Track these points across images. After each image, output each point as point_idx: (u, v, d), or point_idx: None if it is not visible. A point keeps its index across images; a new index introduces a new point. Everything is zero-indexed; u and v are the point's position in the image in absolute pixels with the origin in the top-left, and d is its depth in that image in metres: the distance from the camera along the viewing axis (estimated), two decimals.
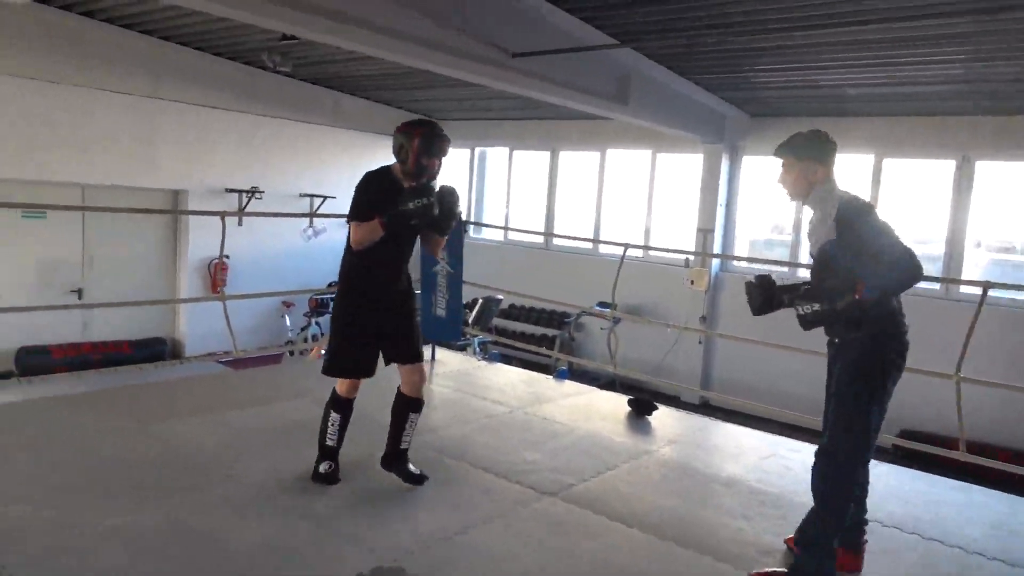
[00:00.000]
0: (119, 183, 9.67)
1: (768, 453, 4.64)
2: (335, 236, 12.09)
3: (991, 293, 4.29)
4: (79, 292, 9.84)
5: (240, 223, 10.58)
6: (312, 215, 11.49)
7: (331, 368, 3.57)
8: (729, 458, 4.57)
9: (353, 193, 3.48)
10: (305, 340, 10.32)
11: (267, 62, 9.16)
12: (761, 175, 10.16)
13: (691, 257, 10.16)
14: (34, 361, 9.30)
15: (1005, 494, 4.15)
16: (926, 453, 4.62)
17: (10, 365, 9.29)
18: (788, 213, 9.96)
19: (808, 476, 4.15)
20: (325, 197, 11.63)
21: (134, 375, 7.52)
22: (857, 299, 2.72)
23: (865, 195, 8.97)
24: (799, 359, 8.93)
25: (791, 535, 3.21)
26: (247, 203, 10.83)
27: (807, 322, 2.89)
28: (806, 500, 3.84)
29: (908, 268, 2.70)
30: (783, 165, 3.14)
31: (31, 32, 8.51)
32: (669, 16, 6.21)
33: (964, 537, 3.54)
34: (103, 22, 8.91)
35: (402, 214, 3.30)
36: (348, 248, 3.51)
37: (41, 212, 9.29)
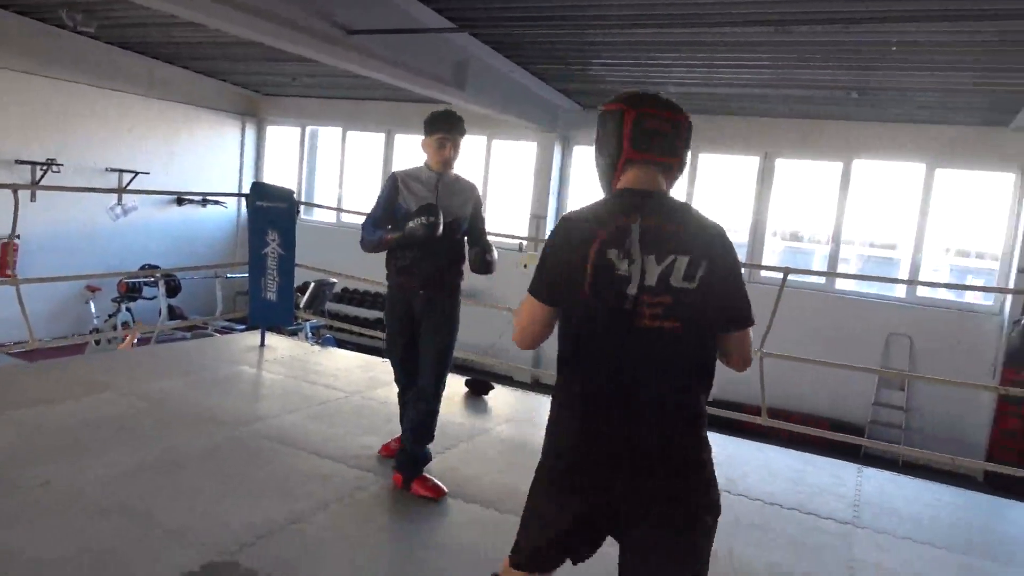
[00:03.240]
0: None
1: None
2: (148, 214, 11.16)
3: (790, 277, 4.81)
4: None
5: (33, 198, 9.45)
6: (121, 191, 10.51)
7: None
8: None
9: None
10: (114, 328, 9.43)
11: (66, 20, 8.22)
12: (591, 164, 10.64)
13: (524, 242, 10.44)
14: None
15: (800, 452, 4.67)
16: (733, 420, 5.08)
17: None
18: None
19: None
20: (136, 172, 10.68)
21: None
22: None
23: (680, 188, 9.73)
24: None
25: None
26: (42, 176, 9.70)
27: None
28: None
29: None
30: (458, 145, 3.45)
31: None
32: (507, 4, 6.30)
33: (764, 492, 3.94)
34: None
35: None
36: None
37: None
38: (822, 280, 9.22)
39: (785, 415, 6.87)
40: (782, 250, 10.40)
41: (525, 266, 10.45)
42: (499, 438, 4.50)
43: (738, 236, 9.99)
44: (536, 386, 9.53)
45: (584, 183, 10.70)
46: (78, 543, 2.76)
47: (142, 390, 4.57)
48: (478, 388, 5.34)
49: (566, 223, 1.83)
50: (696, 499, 1.74)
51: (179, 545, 2.80)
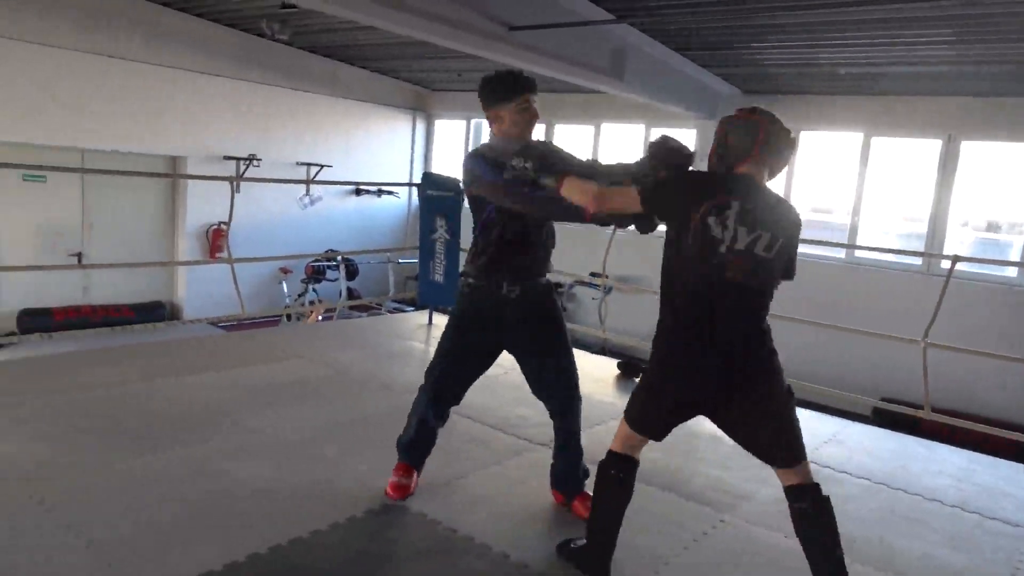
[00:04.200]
0: (118, 148, 9.76)
1: None
2: (331, 204, 12.25)
3: (970, 269, 4.55)
4: (79, 256, 9.97)
5: (238, 190, 10.67)
6: (308, 182, 11.61)
7: None
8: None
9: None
10: (302, 305, 10.50)
11: (265, 30, 9.23)
12: None
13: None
14: (35, 323, 9.46)
15: (966, 451, 4.43)
16: (899, 419, 4.90)
17: (12, 326, 9.45)
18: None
19: None
20: (322, 166, 11.75)
21: (135, 336, 7.72)
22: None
23: (852, 173, 9.26)
24: (780, 328, 9.25)
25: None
26: (244, 170, 10.94)
27: None
28: None
29: None
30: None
31: None
32: None
33: (925, 487, 3.82)
34: None
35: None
36: None
37: (41, 175, 9.39)
38: (1013, 273, 8.44)
39: (953, 414, 6.44)
40: (973, 241, 9.59)
41: None
42: None
43: (919, 226, 9.35)
44: None
45: None
46: (286, 478, 3.27)
47: (329, 358, 5.18)
48: (629, 371, 5.50)
49: (694, 174, 2.56)
50: (776, 376, 2.48)
51: (362, 488, 3.24)
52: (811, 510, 2.44)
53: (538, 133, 9.64)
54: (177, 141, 10.35)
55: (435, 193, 5.80)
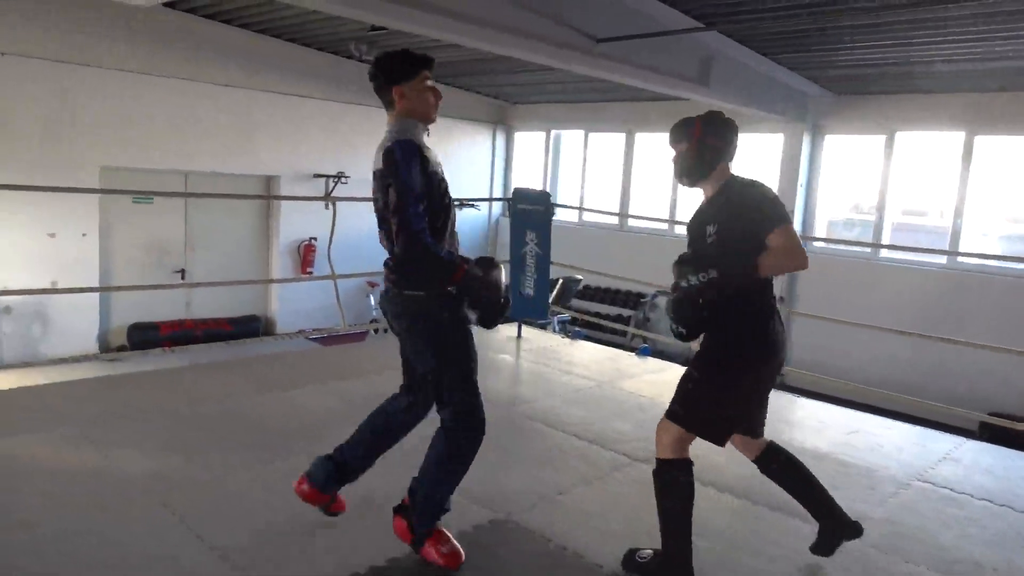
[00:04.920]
0: (218, 170, 10.29)
1: (854, 428, 4.73)
2: None
3: None
4: (182, 273, 10.53)
5: (327, 207, 11.08)
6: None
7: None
8: (813, 432, 4.68)
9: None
10: None
11: (354, 52, 9.57)
12: (843, 154, 10.04)
13: None
14: (144, 336, 10.04)
15: None
16: (1011, 434, 4.63)
17: (123, 340, 10.05)
18: (870, 193, 9.81)
19: (898, 453, 4.27)
20: None
21: (236, 348, 8.08)
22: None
23: (954, 172, 8.82)
24: (876, 341, 8.90)
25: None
26: (333, 187, 11.32)
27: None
28: (894, 474, 3.97)
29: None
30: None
31: (138, 29, 9.13)
32: None
33: None
34: (204, 18, 9.46)
35: None
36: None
37: (148, 197, 9.97)
38: None
39: None
40: None
41: None
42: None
43: (1020, 228, 8.85)
44: (781, 386, 9.23)
45: (835, 173, 10.12)
46: (397, 490, 3.35)
47: None
48: None
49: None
50: None
51: (471, 501, 3.29)
52: (784, 462, 2.90)
53: (617, 142, 9.87)
54: (271, 161, 10.81)
55: (526, 207, 5.86)
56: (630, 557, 2.81)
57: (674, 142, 2.76)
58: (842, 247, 9.98)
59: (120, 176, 9.39)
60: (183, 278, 10.47)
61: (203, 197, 10.36)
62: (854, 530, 2.93)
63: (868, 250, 9.64)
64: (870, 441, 4.51)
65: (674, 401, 2.70)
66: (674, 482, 2.63)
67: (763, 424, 2.91)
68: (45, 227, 8.90)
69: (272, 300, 11.44)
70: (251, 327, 11.04)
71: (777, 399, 5.57)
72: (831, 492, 3.69)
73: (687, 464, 2.66)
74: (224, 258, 10.87)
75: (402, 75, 2.66)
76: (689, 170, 2.72)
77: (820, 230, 10.31)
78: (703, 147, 2.66)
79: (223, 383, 4.86)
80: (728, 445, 2.80)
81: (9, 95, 8.45)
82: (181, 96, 9.76)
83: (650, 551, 2.78)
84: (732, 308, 2.61)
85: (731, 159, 2.74)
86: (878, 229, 9.60)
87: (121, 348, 9.94)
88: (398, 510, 2.85)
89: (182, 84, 9.73)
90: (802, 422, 4.98)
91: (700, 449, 2.73)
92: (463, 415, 2.79)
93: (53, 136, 8.83)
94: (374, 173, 2.65)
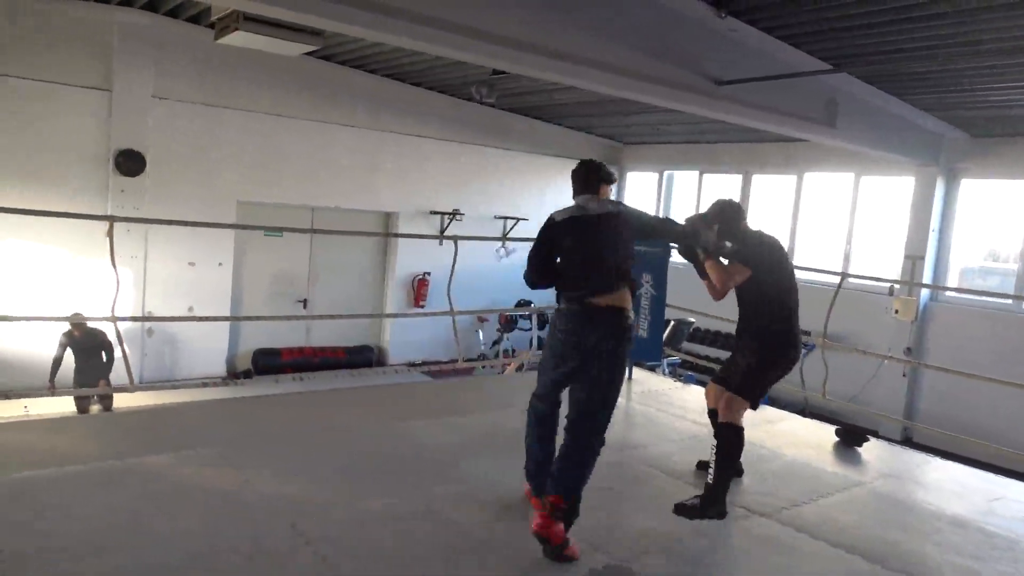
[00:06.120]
0: (342, 205, 10.83)
1: (997, 495, 4.38)
2: (525, 256, 12.66)
3: None
4: (304, 302, 11.09)
5: (441, 243, 11.43)
6: (505, 238, 12.14)
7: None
8: (952, 496, 4.35)
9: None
10: (496, 355, 10.90)
11: (474, 94, 9.87)
12: (980, 199, 9.44)
13: (896, 285, 9.61)
14: (268, 361, 10.61)
15: None
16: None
17: (248, 363, 10.65)
18: (1009, 240, 9.15)
19: None
20: (517, 219, 12.24)
21: (348, 377, 8.39)
22: None
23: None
24: (1015, 399, 8.20)
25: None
26: (448, 224, 11.66)
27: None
28: None
29: None
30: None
31: (273, 73, 9.82)
32: (888, 38, 6.04)
33: None
34: (336, 64, 10.07)
35: None
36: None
37: (279, 231, 10.62)
38: None
39: None
40: None
41: (897, 311, 9.60)
42: (877, 493, 4.29)
43: None
44: (907, 443, 8.66)
45: (972, 218, 9.52)
46: (502, 526, 3.38)
47: None
48: (851, 438, 5.12)
49: (759, 235, 4.10)
50: None
51: (585, 545, 3.25)
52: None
53: (735, 183, 9.99)
54: (390, 198, 11.28)
55: (644, 249, 5.82)
56: (682, 508, 3.50)
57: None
58: (976, 297, 9.34)
59: (253, 210, 10.05)
60: (305, 307, 11.02)
61: (327, 233, 10.91)
62: (719, 514, 3.51)
63: (1010, 301, 8.96)
64: (1015, 510, 4.15)
65: (740, 386, 3.74)
66: (740, 438, 3.68)
67: None
68: (187, 256, 9.63)
69: (386, 331, 11.83)
70: (365, 356, 11.44)
71: (910, 458, 5.27)
72: (974, 563, 3.43)
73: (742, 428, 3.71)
74: (343, 289, 11.37)
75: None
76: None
77: (953, 278, 9.68)
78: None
79: (349, 413, 5.05)
80: None
81: (163, 135, 9.26)
82: (311, 136, 10.38)
83: (696, 498, 3.54)
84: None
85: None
86: (1021, 278, 8.92)
87: (247, 372, 10.53)
88: (555, 516, 3.10)
89: (313, 126, 10.36)
90: (940, 485, 4.65)
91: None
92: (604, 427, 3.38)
93: (197, 172, 9.58)
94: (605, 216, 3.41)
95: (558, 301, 3.38)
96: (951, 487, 4.58)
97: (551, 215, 3.46)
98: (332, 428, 4.63)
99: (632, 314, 3.29)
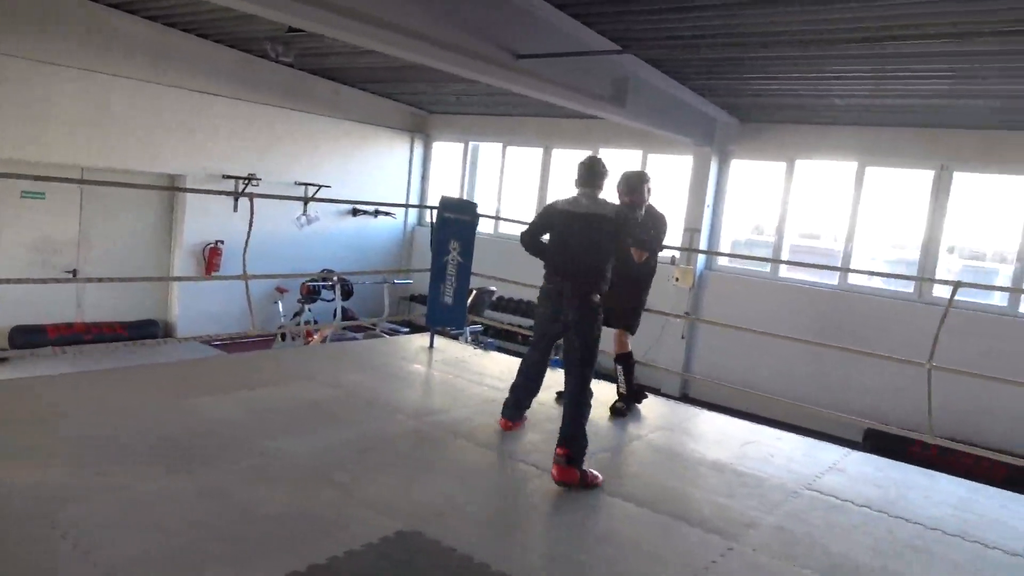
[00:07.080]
0: (117, 166, 9.78)
1: (750, 440, 4.97)
2: (327, 224, 12.28)
3: (960, 297, 4.63)
4: (74, 273, 9.94)
5: (236, 208, 10.75)
6: (306, 200, 11.65)
7: None
8: (713, 444, 4.88)
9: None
10: (297, 325, 10.50)
11: (270, 52, 9.33)
12: (747, 178, 10.52)
13: (677, 255, 10.49)
14: (29, 339, 9.40)
15: (968, 481, 4.50)
16: (898, 448, 4.97)
17: (3, 343, 9.38)
18: (770, 216, 10.33)
19: (788, 463, 4.50)
20: (320, 186, 11.80)
21: (129, 354, 7.70)
22: None
23: (847, 199, 9.42)
24: (774, 356, 9.37)
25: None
26: (243, 189, 10.96)
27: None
28: (784, 482, 4.19)
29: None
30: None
31: (33, 13, 8.61)
32: (669, 24, 6.49)
33: (926, 516, 3.88)
34: (109, 7, 9.02)
35: None
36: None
37: (40, 192, 9.38)
38: (1004, 302, 8.59)
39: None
40: (960, 269, 9.76)
41: (677, 279, 10.51)
42: (652, 445, 4.70)
43: (907, 252, 9.53)
44: (685, 399, 9.58)
45: (740, 195, 10.59)
46: (301, 503, 3.28)
47: (336, 380, 5.20)
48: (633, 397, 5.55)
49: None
50: None
51: (377, 514, 3.25)
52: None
53: (536, 156, 10.51)
54: (176, 160, 10.38)
55: (453, 216, 5.86)
56: (615, 408, 5.06)
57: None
58: (742, 264, 10.47)
59: (8, 168, 8.78)
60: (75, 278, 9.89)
61: (101, 185, 9.76)
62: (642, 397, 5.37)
63: (768, 269, 10.14)
64: (763, 452, 4.74)
65: (629, 322, 5.11)
66: (633, 359, 5.18)
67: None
68: None
69: (173, 304, 10.95)
70: (148, 331, 10.51)
71: (682, 411, 5.83)
72: (727, 500, 3.87)
73: None
74: (122, 258, 10.32)
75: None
76: None
77: (724, 249, 10.76)
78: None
79: (123, 392, 4.62)
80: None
81: None
82: (79, 85, 9.24)
83: (621, 402, 5.10)
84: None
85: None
86: (777, 249, 10.11)
87: (1, 351, 9.27)
88: (569, 463, 3.72)
89: (80, 73, 9.21)
90: (704, 434, 5.19)
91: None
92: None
93: None
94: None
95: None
96: (713, 436, 5.14)
97: (553, 201, 4.33)
98: (104, 410, 4.22)
99: (598, 297, 3.98)
